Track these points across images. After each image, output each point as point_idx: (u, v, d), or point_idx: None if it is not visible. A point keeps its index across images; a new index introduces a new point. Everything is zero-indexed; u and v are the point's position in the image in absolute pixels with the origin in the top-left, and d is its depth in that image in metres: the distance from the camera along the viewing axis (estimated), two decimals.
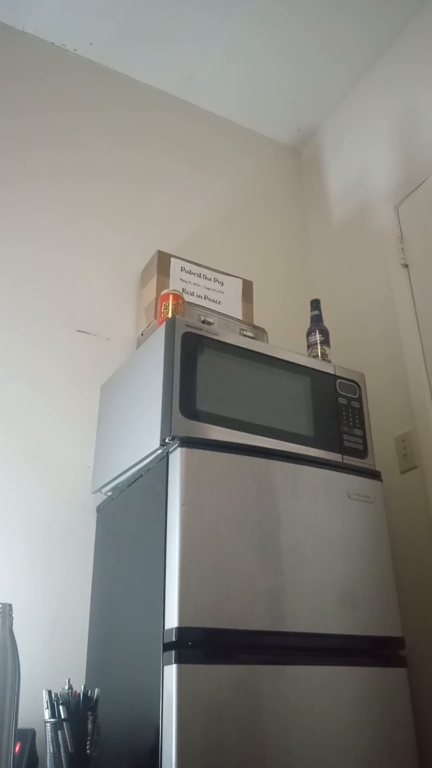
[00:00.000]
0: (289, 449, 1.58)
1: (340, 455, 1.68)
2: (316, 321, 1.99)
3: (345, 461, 1.67)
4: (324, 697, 1.34)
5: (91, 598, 1.72)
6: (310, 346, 1.94)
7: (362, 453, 1.72)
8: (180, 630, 1.24)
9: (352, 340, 2.31)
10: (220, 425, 1.52)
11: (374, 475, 1.67)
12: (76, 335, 2.05)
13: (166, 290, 1.85)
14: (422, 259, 2.12)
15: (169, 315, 1.76)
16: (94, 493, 1.84)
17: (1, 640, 1.16)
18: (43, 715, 1.22)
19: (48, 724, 1.20)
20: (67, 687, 1.24)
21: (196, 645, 1.25)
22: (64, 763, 1.17)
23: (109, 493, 1.78)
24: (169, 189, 2.51)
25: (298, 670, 1.33)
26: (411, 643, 1.63)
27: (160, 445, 1.47)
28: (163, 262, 2.11)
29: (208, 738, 1.18)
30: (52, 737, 1.19)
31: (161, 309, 1.81)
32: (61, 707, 1.20)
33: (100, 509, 1.81)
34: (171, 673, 1.21)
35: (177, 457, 1.40)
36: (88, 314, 2.10)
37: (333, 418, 1.72)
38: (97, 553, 1.76)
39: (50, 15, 2.39)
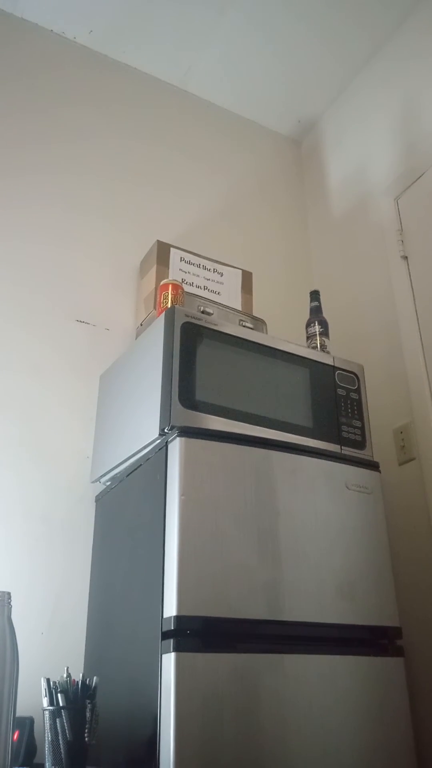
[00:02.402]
0: (287, 440, 1.58)
1: (339, 446, 1.68)
2: (316, 312, 1.98)
3: (343, 452, 1.67)
4: (321, 686, 1.34)
5: (90, 587, 1.72)
6: (310, 337, 1.94)
7: (361, 444, 1.72)
8: (178, 618, 1.24)
9: (351, 331, 2.31)
10: (219, 415, 1.52)
11: (373, 466, 1.67)
12: (76, 325, 2.04)
13: (165, 280, 1.85)
14: (422, 251, 2.12)
15: (169, 305, 1.76)
16: (93, 482, 1.84)
17: (0, 629, 1.16)
18: (42, 703, 1.22)
19: (46, 712, 1.20)
20: (65, 675, 1.24)
21: (195, 634, 1.25)
22: (62, 750, 1.17)
23: (108, 483, 1.78)
24: (169, 179, 2.50)
25: (296, 659, 1.34)
26: (408, 632, 1.64)
27: (159, 434, 1.47)
28: (162, 252, 2.11)
29: (206, 726, 1.19)
30: (50, 725, 1.19)
31: (160, 299, 1.80)
32: (59, 695, 1.20)
33: (99, 499, 1.81)
34: (169, 661, 1.22)
35: (176, 447, 1.40)
36: (88, 304, 2.10)
37: (332, 409, 1.72)
38: (96, 543, 1.77)
39: (50, 2, 2.37)
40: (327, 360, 1.79)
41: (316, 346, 1.90)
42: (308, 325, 1.96)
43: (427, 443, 1.91)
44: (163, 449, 1.45)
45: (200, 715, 1.19)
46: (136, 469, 1.59)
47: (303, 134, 2.96)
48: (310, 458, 1.57)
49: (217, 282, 2.15)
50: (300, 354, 1.75)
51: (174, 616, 1.24)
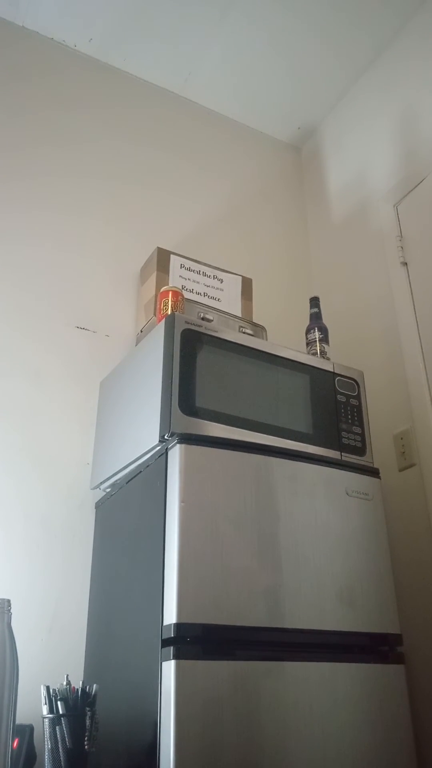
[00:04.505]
0: (287, 446, 1.58)
1: (339, 452, 1.68)
2: (316, 318, 1.99)
3: (344, 458, 1.67)
4: (322, 694, 1.34)
5: (90, 594, 1.72)
6: (310, 343, 1.94)
7: (361, 450, 1.72)
8: (178, 626, 1.24)
9: (351, 337, 2.31)
10: (219, 422, 1.52)
11: (373, 472, 1.67)
12: (76, 332, 2.05)
13: (165, 287, 1.85)
14: (421, 257, 2.13)
15: (169, 312, 1.76)
16: (93, 489, 1.84)
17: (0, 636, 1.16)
18: (42, 711, 1.22)
19: (46, 720, 1.20)
20: (65, 682, 1.24)
21: (195, 641, 1.25)
22: (62, 758, 1.17)
23: (108, 490, 1.78)
24: (169, 186, 2.51)
25: (296, 666, 1.34)
26: (409, 639, 1.64)
27: (159, 441, 1.47)
28: (162, 259, 2.11)
29: (206, 734, 1.19)
30: (50, 733, 1.19)
31: (161, 306, 1.81)
32: (59, 703, 1.20)
33: (99, 505, 1.81)
34: (169, 668, 1.22)
35: (176, 454, 1.40)
36: (88, 311, 2.10)
37: (332, 416, 1.72)
38: (96, 549, 1.77)
39: (50, 10, 2.39)
40: (327, 366, 1.79)
41: (316, 353, 1.90)
42: (308, 331, 1.96)
43: (428, 449, 1.91)
44: (163, 456, 1.45)
45: (200, 722, 1.19)
46: (136, 475, 1.59)
47: (303, 140, 2.97)
48: (310, 465, 1.57)
49: (217, 288, 2.15)
50: (300, 360, 1.75)
51: (174, 624, 1.24)
